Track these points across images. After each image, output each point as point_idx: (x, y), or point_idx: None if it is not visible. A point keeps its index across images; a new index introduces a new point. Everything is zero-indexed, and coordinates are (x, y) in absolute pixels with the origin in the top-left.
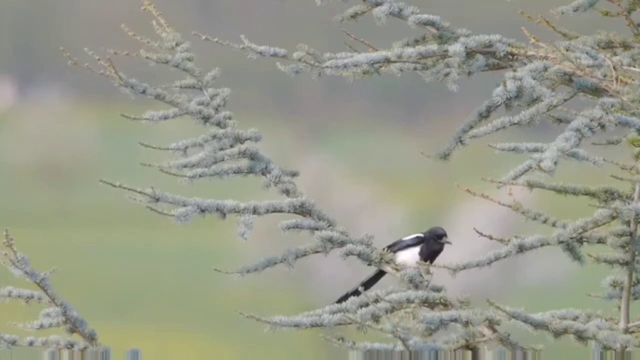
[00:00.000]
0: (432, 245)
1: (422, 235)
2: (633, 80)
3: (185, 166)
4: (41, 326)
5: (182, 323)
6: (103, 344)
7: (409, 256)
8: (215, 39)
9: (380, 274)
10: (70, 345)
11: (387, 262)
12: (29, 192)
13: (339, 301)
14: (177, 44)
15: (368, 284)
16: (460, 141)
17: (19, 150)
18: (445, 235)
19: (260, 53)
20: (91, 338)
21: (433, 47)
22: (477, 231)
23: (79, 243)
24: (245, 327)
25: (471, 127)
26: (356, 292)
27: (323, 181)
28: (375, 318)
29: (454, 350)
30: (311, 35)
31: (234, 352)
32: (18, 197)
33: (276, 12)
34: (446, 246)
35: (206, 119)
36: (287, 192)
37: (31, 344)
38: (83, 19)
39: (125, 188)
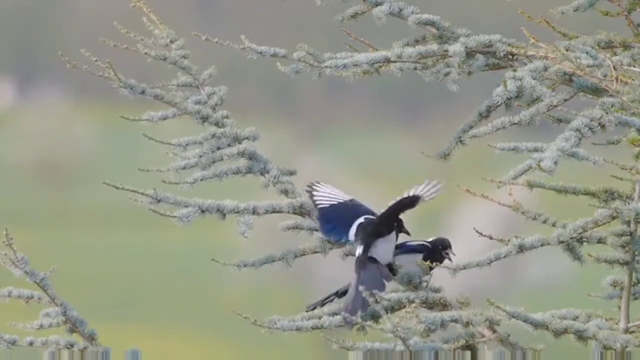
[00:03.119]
0: (435, 255)
1: (428, 244)
2: (633, 80)
3: (183, 167)
4: (41, 326)
5: (183, 323)
6: (103, 344)
7: (410, 259)
8: (215, 39)
9: None
10: (70, 346)
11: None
12: (29, 192)
13: (324, 301)
14: (171, 41)
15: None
16: (460, 141)
17: (19, 150)
18: (450, 247)
19: (260, 53)
20: (91, 338)
21: (433, 47)
22: (477, 231)
23: (79, 243)
24: (245, 328)
25: (471, 127)
26: (343, 294)
27: (323, 181)
28: (376, 318)
29: (454, 350)
30: (311, 35)
31: (234, 352)
32: (18, 197)
33: (276, 12)
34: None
35: (205, 118)
36: (285, 192)
37: (31, 344)
38: (83, 19)
39: (127, 190)
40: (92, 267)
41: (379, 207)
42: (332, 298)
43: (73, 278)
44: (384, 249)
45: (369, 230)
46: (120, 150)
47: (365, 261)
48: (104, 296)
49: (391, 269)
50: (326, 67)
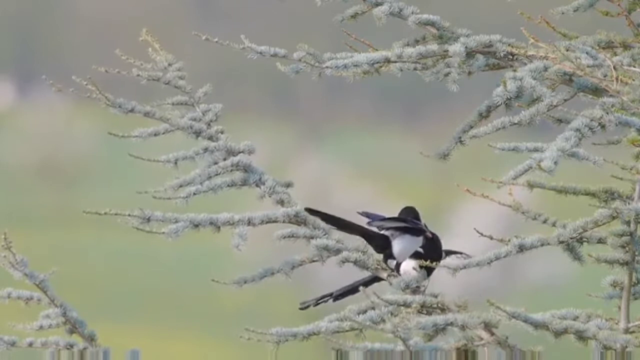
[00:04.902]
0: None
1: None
2: (633, 80)
3: (180, 186)
4: (41, 327)
5: (183, 324)
6: (103, 345)
7: (409, 264)
8: (215, 39)
9: (375, 279)
10: (70, 346)
11: (384, 269)
12: (29, 192)
13: (318, 301)
14: (169, 64)
15: (354, 290)
16: (460, 141)
17: (19, 150)
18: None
19: (260, 53)
20: (91, 339)
21: (433, 47)
22: (477, 231)
23: (79, 243)
24: (245, 328)
25: (471, 127)
26: (338, 296)
27: (323, 181)
28: (375, 322)
29: (455, 350)
30: (311, 35)
31: (234, 353)
32: (18, 197)
33: (276, 12)
34: (448, 245)
35: (198, 133)
36: (281, 202)
37: (31, 345)
38: (83, 20)
39: (113, 214)
40: (92, 267)
41: (378, 207)
42: (326, 299)
43: (73, 278)
44: (404, 246)
45: (406, 220)
46: (120, 150)
47: (379, 235)
48: (104, 296)
49: (398, 269)
50: (326, 67)
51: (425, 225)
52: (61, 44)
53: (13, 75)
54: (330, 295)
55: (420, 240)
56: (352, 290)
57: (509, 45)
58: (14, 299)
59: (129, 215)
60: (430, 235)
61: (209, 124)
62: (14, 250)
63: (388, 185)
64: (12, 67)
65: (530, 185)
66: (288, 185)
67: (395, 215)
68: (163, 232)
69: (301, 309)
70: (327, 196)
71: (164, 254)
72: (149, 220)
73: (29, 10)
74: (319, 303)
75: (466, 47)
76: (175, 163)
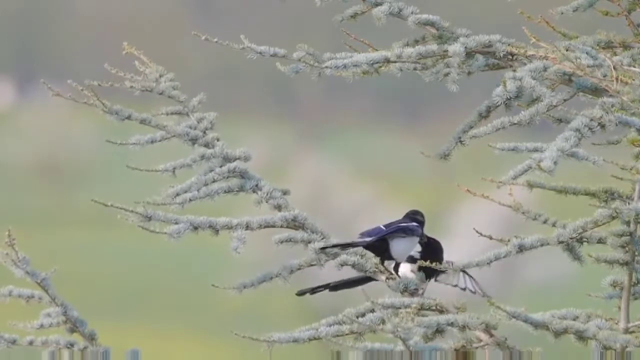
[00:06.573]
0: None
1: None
2: (633, 80)
3: (177, 194)
4: (41, 326)
5: (183, 323)
6: (103, 344)
7: (406, 267)
8: (215, 39)
9: (367, 279)
10: (70, 345)
11: (382, 272)
12: (29, 192)
13: (314, 290)
14: (160, 76)
15: (352, 284)
16: (460, 141)
17: (19, 150)
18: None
19: (260, 53)
20: (91, 338)
21: (433, 47)
22: (477, 231)
23: (79, 243)
24: (245, 328)
25: (471, 127)
26: (335, 287)
27: (323, 181)
28: (374, 325)
29: (455, 350)
30: (311, 35)
31: (234, 352)
32: (18, 197)
33: (276, 12)
34: (448, 245)
35: (194, 140)
36: (279, 207)
37: (31, 343)
38: (83, 20)
39: (117, 207)
40: (92, 267)
41: (378, 207)
42: (322, 289)
43: (73, 278)
44: (403, 247)
45: (401, 226)
46: (119, 150)
47: (379, 242)
48: (103, 296)
49: (397, 268)
50: (326, 67)
51: (423, 233)
52: (61, 44)
53: (13, 75)
54: (327, 285)
55: (416, 239)
56: (349, 283)
57: (508, 45)
58: (15, 297)
59: (132, 211)
60: (425, 240)
61: (204, 132)
62: (17, 248)
63: (388, 185)
64: (12, 67)
65: (530, 185)
66: (285, 192)
67: (400, 217)
68: (165, 232)
69: (298, 294)
70: (327, 196)
71: (164, 254)
72: (150, 219)
73: (29, 10)
74: (316, 292)
75: (466, 47)
76: (174, 172)
